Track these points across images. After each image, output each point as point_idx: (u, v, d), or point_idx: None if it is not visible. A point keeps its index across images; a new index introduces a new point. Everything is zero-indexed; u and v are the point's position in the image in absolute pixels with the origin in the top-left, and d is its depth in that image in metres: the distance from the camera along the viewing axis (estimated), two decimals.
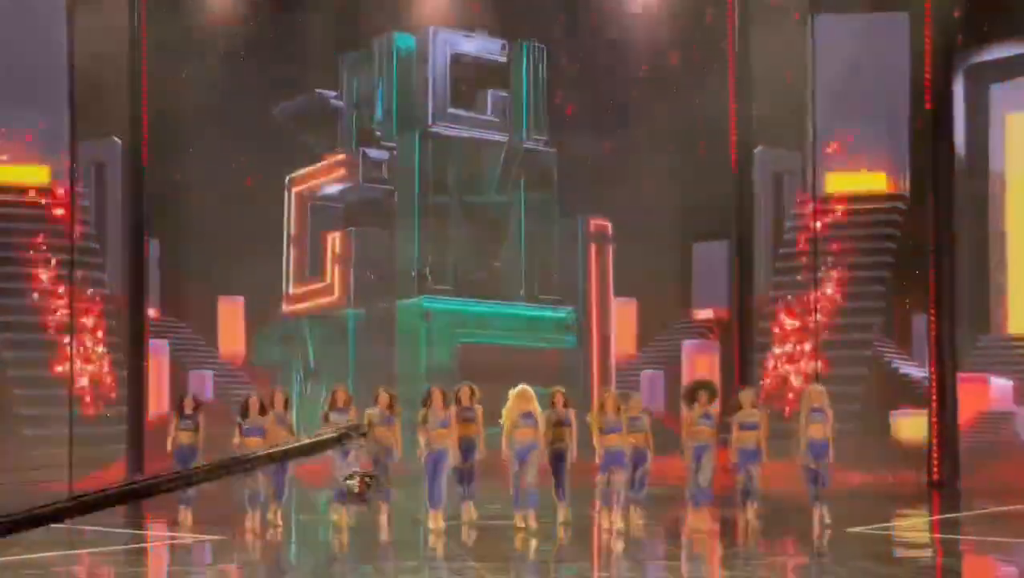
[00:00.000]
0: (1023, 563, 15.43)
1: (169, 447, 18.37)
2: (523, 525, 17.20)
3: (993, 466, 24.55)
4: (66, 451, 24.06)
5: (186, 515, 17.70)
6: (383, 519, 17.05)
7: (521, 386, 17.67)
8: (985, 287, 26.36)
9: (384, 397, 17.94)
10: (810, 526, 17.06)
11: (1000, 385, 25.64)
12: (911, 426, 25.42)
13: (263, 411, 17.82)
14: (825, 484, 17.47)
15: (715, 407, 18.30)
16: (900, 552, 15.52)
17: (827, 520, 17.02)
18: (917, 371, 25.72)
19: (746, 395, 18.74)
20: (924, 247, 25.79)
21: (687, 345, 28.26)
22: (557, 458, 17.65)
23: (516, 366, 26.21)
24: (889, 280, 26.53)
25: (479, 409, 17.99)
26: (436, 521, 17.25)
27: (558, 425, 17.69)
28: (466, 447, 17.84)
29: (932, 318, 25.60)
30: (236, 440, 17.84)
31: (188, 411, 18.39)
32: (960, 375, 25.47)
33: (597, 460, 17.34)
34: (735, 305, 27.19)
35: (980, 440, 25.41)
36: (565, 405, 17.90)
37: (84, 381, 25.26)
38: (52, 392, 24.72)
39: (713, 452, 18.06)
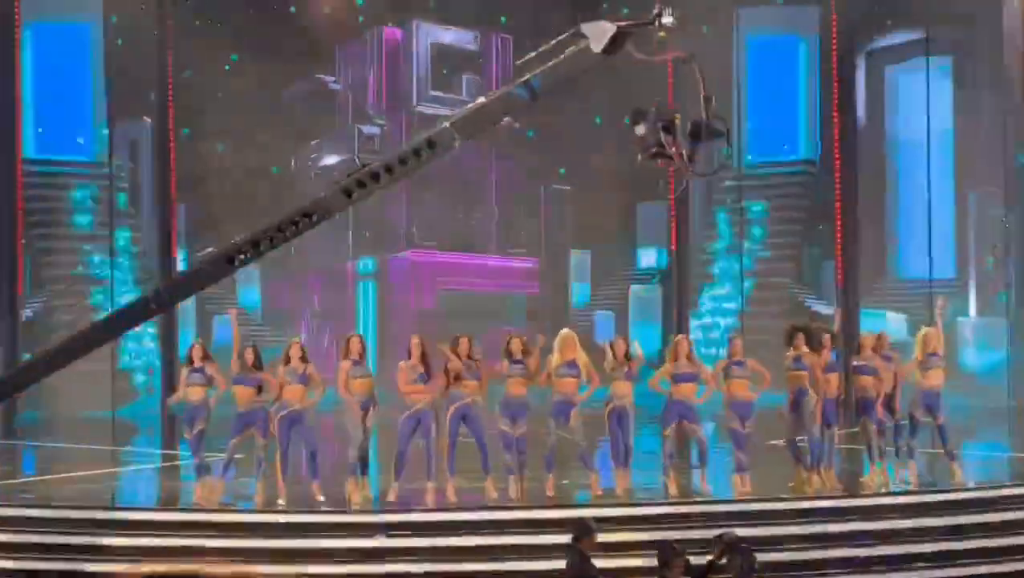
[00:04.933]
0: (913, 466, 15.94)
1: (174, 401, 15.10)
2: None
3: None
4: (109, 384, 26.40)
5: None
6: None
7: (564, 331, 14.35)
8: (882, 237, 28.23)
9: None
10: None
11: (896, 319, 27.57)
12: None
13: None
14: (947, 440, 14.96)
15: (808, 350, 14.75)
16: (811, 461, 15.74)
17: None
18: (826, 308, 27.22)
19: (868, 337, 15.18)
20: (831, 204, 27.35)
21: (634, 289, 30.09)
22: (618, 418, 14.52)
23: (489, 308, 28.21)
24: (802, 233, 28.46)
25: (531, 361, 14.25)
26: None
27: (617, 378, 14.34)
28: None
29: (838, 264, 27.13)
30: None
31: (197, 362, 14.59)
32: (862, 311, 27.03)
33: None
34: (673, 255, 28.57)
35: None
36: (626, 355, 14.50)
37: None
38: None
39: (811, 401, 14.65)
